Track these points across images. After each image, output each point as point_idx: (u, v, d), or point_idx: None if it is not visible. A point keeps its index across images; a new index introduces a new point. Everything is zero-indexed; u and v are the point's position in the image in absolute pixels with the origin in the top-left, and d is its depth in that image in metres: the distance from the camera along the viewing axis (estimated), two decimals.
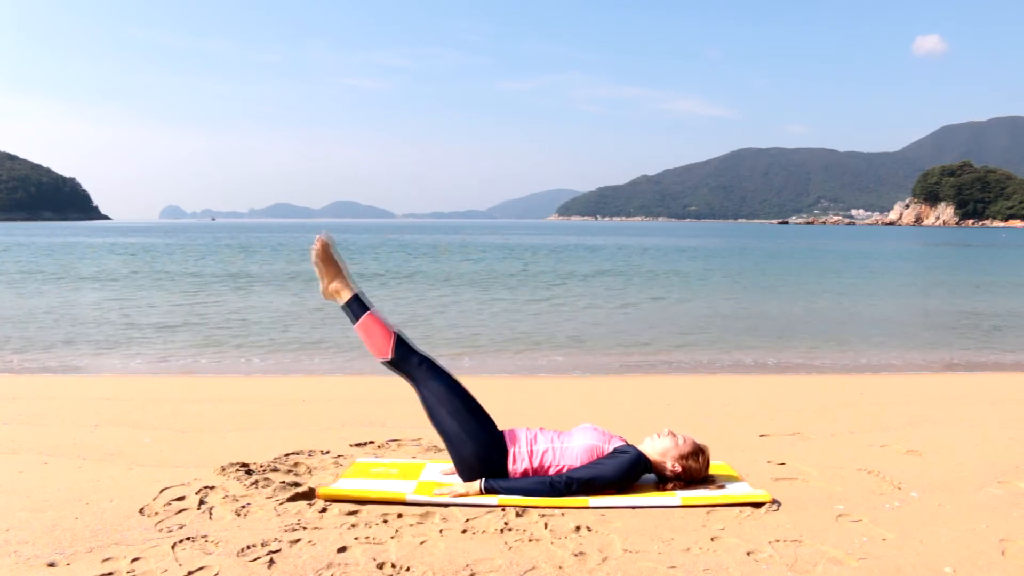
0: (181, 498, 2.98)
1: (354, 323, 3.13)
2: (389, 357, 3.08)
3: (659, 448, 3.11)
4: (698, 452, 3.12)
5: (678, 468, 3.08)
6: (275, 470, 3.37)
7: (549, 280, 19.74)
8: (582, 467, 3.01)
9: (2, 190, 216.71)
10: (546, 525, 2.72)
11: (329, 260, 3.17)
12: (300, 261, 27.36)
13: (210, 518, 2.77)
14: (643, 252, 36.87)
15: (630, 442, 3.17)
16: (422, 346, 3.17)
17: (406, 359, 3.08)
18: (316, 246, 3.16)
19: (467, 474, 3.04)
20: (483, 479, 3.00)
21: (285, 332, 10.14)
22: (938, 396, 5.65)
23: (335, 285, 3.16)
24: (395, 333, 3.09)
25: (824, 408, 5.07)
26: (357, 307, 3.13)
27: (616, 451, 3.05)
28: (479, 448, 3.01)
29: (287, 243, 47.09)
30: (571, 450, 3.05)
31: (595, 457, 3.05)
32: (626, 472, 2.99)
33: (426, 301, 14.57)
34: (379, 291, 16.46)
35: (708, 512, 2.87)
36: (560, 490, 2.93)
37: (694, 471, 3.10)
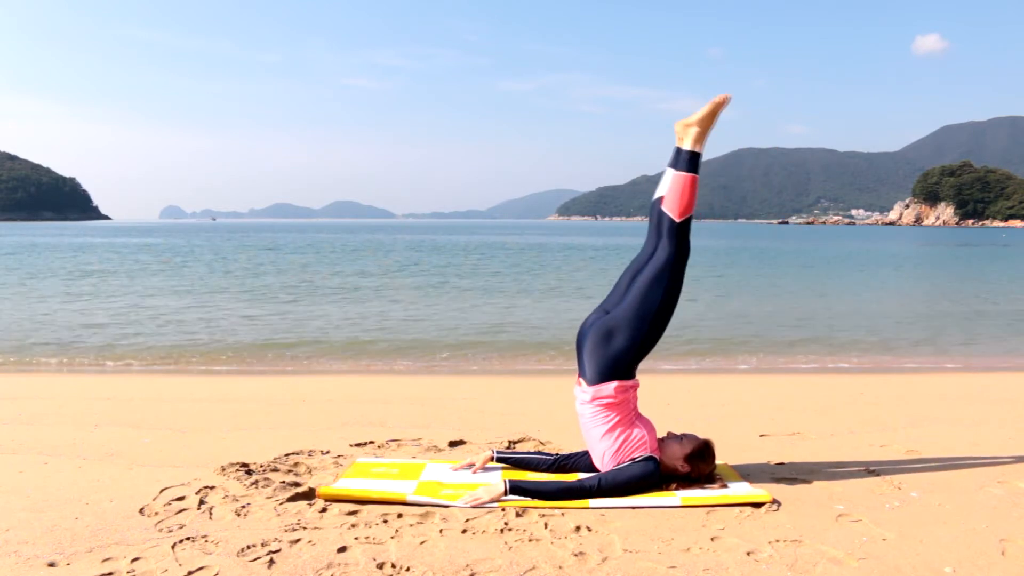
0: (181, 498, 2.98)
1: (675, 168, 3.16)
2: (678, 221, 3.13)
3: (667, 453, 3.14)
4: (703, 449, 3.15)
5: (687, 468, 3.12)
6: (275, 470, 3.37)
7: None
8: (613, 471, 3.05)
9: (2, 190, 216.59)
10: (546, 525, 2.72)
11: (714, 115, 3.19)
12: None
13: (210, 518, 2.77)
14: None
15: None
16: None
17: (684, 233, 3.15)
18: (724, 98, 3.16)
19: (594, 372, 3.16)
20: (507, 480, 3.00)
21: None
22: (938, 396, 5.65)
23: (696, 132, 3.17)
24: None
25: (824, 408, 5.07)
26: (691, 163, 3.14)
27: (637, 461, 3.08)
28: (632, 346, 3.14)
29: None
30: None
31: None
32: (647, 481, 3.03)
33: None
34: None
35: (708, 512, 2.87)
36: (588, 494, 2.97)
37: (702, 468, 3.14)
